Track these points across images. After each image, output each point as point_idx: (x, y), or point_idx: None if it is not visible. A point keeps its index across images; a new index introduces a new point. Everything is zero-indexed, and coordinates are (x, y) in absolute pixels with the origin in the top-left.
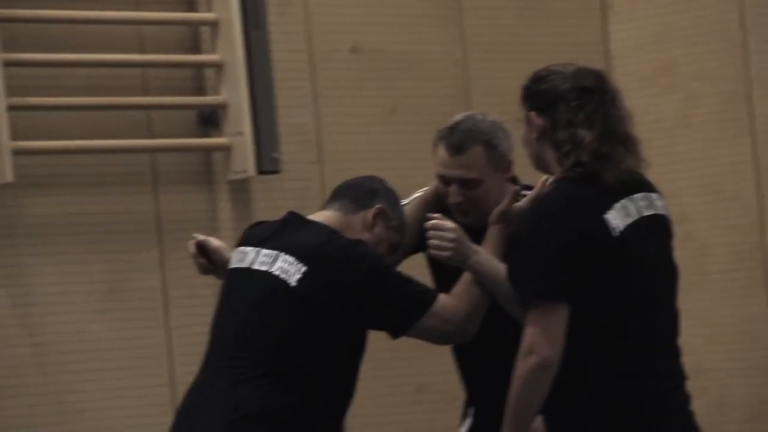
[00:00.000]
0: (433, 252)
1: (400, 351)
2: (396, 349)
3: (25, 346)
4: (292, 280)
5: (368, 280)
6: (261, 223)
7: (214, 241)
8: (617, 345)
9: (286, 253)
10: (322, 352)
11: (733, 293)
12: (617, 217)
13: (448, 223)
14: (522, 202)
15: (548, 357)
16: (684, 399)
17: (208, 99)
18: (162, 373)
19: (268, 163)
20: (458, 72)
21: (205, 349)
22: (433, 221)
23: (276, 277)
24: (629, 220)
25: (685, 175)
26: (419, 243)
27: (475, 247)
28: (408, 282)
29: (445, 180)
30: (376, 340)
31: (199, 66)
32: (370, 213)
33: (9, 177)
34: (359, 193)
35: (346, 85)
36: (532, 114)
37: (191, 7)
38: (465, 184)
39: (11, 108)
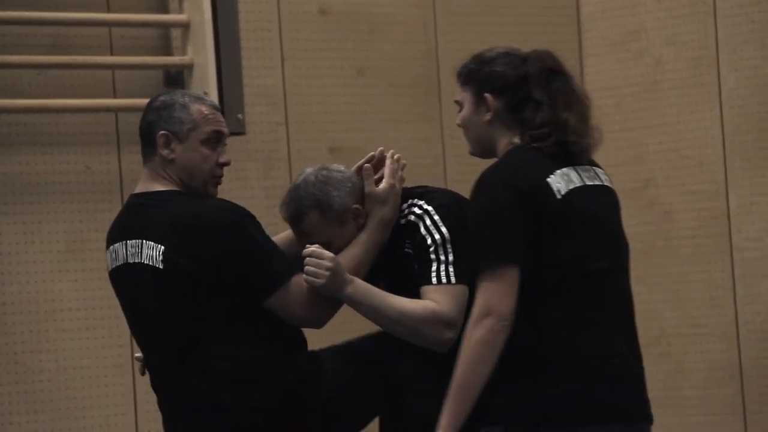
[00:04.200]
0: (307, 278)
1: None
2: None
3: None
4: (159, 263)
5: (223, 244)
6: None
7: None
8: (564, 306)
9: (147, 239)
10: (221, 317)
11: (696, 259)
12: (559, 182)
13: (327, 253)
14: (384, 185)
15: (504, 316)
16: (634, 373)
17: (174, 59)
18: (122, 333)
19: (233, 125)
20: (427, 35)
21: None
22: (311, 249)
23: (147, 266)
24: (572, 186)
25: (652, 140)
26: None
27: (350, 277)
28: (268, 251)
29: None
30: None
31: (166, 26)
32: (159, 148)
33: None
34: (143, 135)
35: (314, 47)
36: (489, 96)
37: None
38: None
39: None
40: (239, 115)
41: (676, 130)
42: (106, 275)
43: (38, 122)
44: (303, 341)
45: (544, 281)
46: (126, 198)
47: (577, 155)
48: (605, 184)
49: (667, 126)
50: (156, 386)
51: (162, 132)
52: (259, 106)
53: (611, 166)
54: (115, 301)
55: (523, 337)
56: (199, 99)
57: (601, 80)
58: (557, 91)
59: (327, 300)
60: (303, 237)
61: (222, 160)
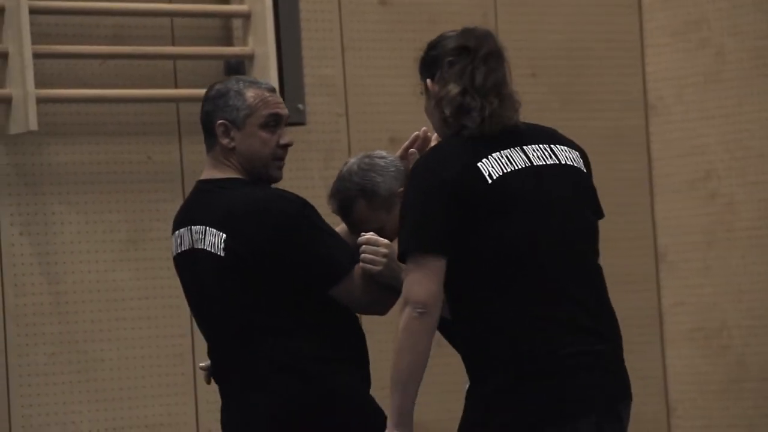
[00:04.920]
0: (364, 266)
1: None
2: None
3: (46, 294)
4: (220, 251)
5: (281, 234)
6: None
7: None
8: (510, 297)
9: (209, 225)
10: (278, 306)
11: (758, 251)
12: (494, 166)
13: (382, 239)
14: None
15: (422, 302)
16: (600, 361)
17: (235, 49)
18: (182, 323)
19: (293, 115)
20: (487, 25)
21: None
22: (367, 236)
23: (209, 252)
24: (510, 169)
25: (713, 131)
26: None
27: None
28: (330, 240)
29: None
30: None
31: (227, 16)
32: (218, 138)
33: (33, 125)
34: (203, 125)
35: (374, 37)
36: (429, 82)
37: None
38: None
39: (36, 55)
40: (300, 106)
41: (737, 121)
42: (167, 265)
43: (100, 112)
44: (362, 343)
45: (484, 270)
46: (187, 188)
47: (515, 134)
48: (565, 162)
49: (729, 117)
50: (215, 373)
51: (220, 121)
52: (319, 96)
53: (672, 158)
54: (176, 291)
55: (473, 334)
56: (255, 83)
57: (662, 70)
58: (451, 65)
59: (388, 286)
60: (354, 227)
61: (283, 141)
